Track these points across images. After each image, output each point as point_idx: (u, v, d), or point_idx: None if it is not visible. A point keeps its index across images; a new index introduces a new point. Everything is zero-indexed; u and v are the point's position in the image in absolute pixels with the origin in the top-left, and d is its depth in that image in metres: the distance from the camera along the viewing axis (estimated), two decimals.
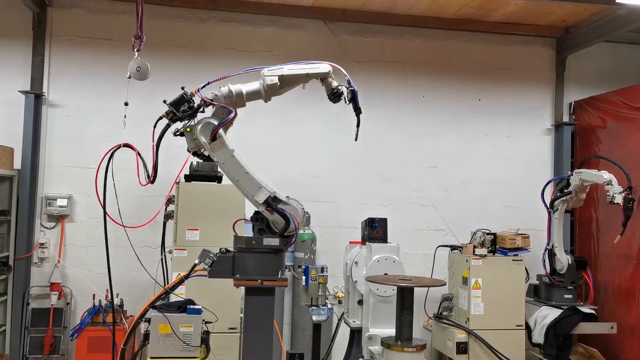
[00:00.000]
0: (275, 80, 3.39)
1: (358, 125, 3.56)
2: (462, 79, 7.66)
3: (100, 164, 3.99)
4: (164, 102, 3.49)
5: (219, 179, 5.41)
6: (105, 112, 6.72)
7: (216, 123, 3.43)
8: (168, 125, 3.51)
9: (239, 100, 3.47)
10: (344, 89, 3.48)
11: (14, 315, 6.38)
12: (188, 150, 3.69)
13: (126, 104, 4.49)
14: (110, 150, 3.97)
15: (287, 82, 3.48)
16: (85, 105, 6.78)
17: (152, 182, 3.60)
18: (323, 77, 3.49)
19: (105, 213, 4.34)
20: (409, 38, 7.53)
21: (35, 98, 6.54)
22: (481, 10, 7.07)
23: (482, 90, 7.70)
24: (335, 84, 3.49)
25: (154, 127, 3.55)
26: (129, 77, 4.35)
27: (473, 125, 7.65)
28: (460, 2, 6.81)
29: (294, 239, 3.50)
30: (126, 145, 3.89)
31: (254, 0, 6.91)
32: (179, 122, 3.52)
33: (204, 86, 3.48)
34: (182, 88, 3.49)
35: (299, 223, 3.42)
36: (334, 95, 3.49)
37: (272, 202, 3.42)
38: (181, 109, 3.44)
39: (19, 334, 6.34)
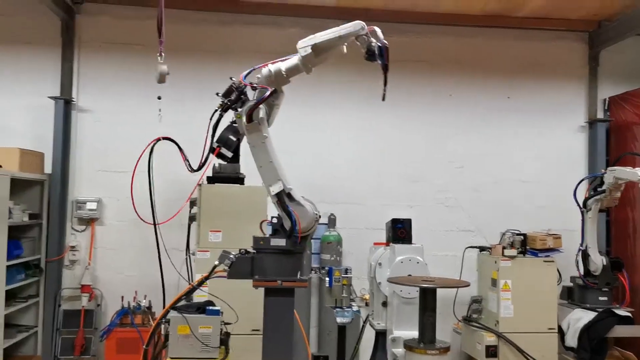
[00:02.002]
0: (309, 50, 3.30)
1: (385, 84, 3.42)
2: (491, 76, 7.50)
3: (137, 161, 4.05)
4: (217, 94, 3.55)
5: (241, 181, 5.41)
6: (133, 117, 6.82)
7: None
8: (221, 116, 3.57)
9: (279, 78, 3.42)
10: (374, 44, 3.35)
11: (46, 316, 6.52)
12: (211, 151, 3.70)
13: (159, 97, 4.56)
14: (150, 143, 4.03)
15: (322, 49, 3.37)
16: (114, 110, 6.90)
17: (198, 170, 3.68)
18: (357, 36, 3.38)
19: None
20: (434, 36, 7.41)
21: (65, 103, 6.68)
22: (508, 5, 6.91)
23: (511, 88, 7.52)
24: (368, 40, 3.36)
25: (210, 119, 3.63)
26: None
27: (502, 123, 7.48)
28: None
29: (299, 239, 3.38)
30: (166, 139, 4.01)
31: (277, 2, 6.91)
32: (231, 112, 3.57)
33: (248, 73, 3.49)
34: (231, 78, 3.53)
35: (304, 225, 3.31)
36: (369, 53, 3.37)
37: (283, 197, 3.37)
38: (232, 97, 3.49)
39: (50, 335, 6.47)
